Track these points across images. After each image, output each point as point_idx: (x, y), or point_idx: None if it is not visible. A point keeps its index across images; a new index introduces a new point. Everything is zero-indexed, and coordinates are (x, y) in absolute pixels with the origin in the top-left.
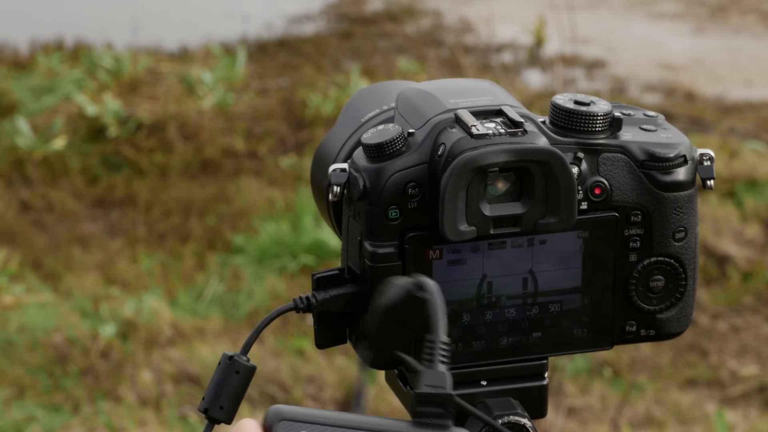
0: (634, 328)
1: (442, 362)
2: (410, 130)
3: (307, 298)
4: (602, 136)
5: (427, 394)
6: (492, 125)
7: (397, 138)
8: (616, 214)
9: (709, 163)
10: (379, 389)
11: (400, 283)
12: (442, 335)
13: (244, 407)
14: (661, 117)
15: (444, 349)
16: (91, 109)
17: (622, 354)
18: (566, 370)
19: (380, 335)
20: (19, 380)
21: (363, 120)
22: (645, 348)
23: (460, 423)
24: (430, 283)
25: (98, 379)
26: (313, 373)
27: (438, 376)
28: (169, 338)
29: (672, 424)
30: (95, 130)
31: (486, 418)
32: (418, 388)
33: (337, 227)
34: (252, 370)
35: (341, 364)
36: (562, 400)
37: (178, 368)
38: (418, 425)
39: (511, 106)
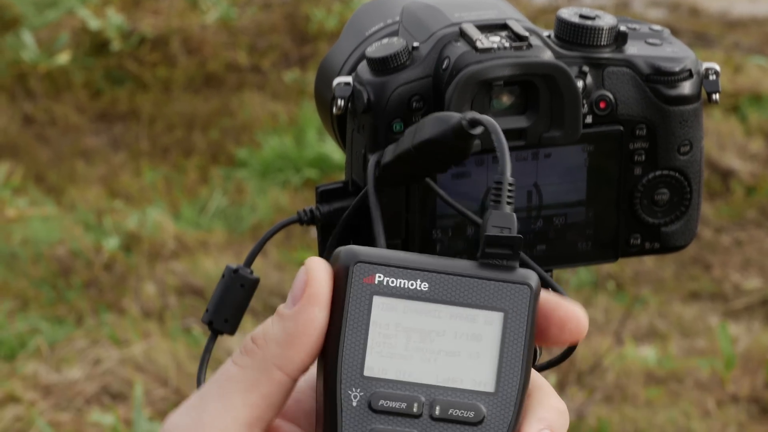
0: (639, 241)
1: (509, 203)
2: (415, 44)
3: (311, 210)
4: (607, 50)
5: (496, 237)
6: (497, 39)
7: (401, 52)
8: (621, 128)
9: (714, 77)
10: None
11: (447, 116)
12: (509, 176)
13: (247, 319)
14: (667, 31)
15: (510, 191)
16: (94, 23)
17: (625, 267)
18: (570, 284)
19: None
20: (23, 293)
21: (367, 34)
22: (648, 261)
23: None
24: (491, 120)
25: (102, 292)
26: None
27: (506, 217)
28: (172, 251)
29: (675, 337)
30: (98, 45)
31: (540, 271)
32: (485, 230)
33: (341, 141)
34: (255, 282)
35: None
36: None
37: (182, 281)
38: (487, 266)
39: (515, 20)
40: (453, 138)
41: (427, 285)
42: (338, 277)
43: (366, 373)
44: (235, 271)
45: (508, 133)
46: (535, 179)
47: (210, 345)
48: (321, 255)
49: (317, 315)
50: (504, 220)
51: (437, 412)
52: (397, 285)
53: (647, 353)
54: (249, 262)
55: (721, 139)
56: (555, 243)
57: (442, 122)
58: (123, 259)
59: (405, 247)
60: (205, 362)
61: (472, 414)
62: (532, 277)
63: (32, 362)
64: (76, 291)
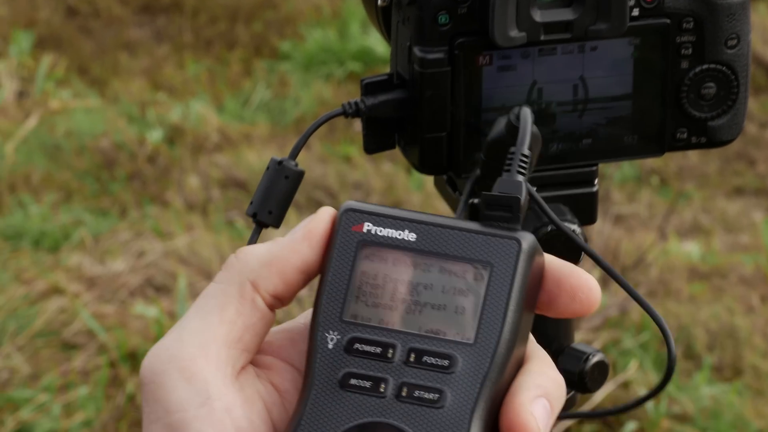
0: (685, 136)
1: (520, 172)
2: None
3: (356, 103)
4: None
5: (494, 196)
6: None
7: None
8: (668, 21)
9: None
10: (425, 195)
11: (500, 119)
12: (524, 148)
13: (291, 212)
14: None
15: (523, 161)
16: None
17: (669, 162)
18: (613, 178)
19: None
20: (67, 185)
21: None
22: (693, 156)
23: None
24: (525, 108)
25: (145, 184)
26: (359, 179)
27: (513, 183)
28: (215, 144)
29: (719, 232)
30: None
31: (553, 217)
32: (487, 193)
33: (386, 33)
34: (300, 174)
35: (388, 170)
36: (609, 207)
37: (225, 173)
38: (482, 224)
39: None
40: (509, 135)
41: (415, 236)
42: (333, 228)
43: (345, 317)
44: (280, 163)
45: (554, 25)
46: (581, 73)
47: (254, 237)
48: (366, 147)
49: (305, 250)
50: (511, 187)
51: (412, 359)
52: (386, 234)
53: (691, 249)
54: (294, 154)
55: (766, 34)
56: (601, 137)
57: (498, 123)
58: (166, 151)
59: (450, 141)
60: None
61: (446, 362)
62: (525, 235)
63: (76, 254)
64: (120, 183)
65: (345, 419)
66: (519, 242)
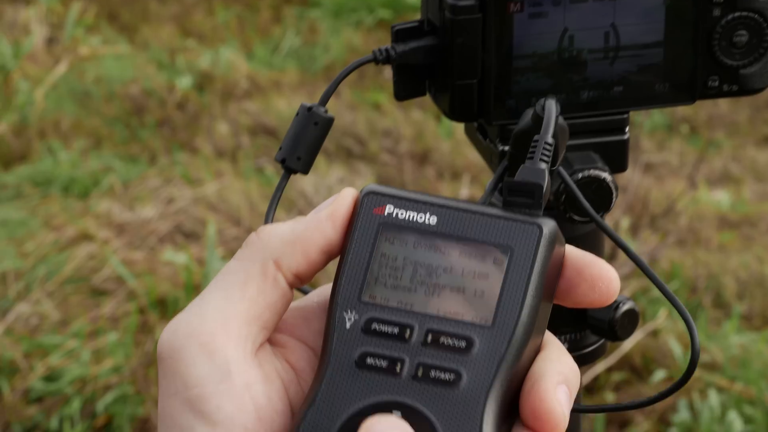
0: (717, 83)
1: (543, 160)
2: None
3: (386, 49)
4: None
5: (516, 182)
6: None
7: None
8: None
9: None
10: (455, 143)
11: (527, 111)
12: (548, 137)
13: (320, 160)
14: None
15: (546, 149)
16: None
17: (699, 110)
18: (644, 127)
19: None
20: (96, 131)
21: None
22: (723, 104)
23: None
24: (550, 98)
25: (174, 131)
26: (389, 127)
27: (535, 171)
28: (245, 90)
29: (748, 181)
30: None
31: (586, 205)
32: (510, 179)
33: None
34: (330, 121)
35: (417, 117)
36: (639, 155)
37: (255, 120)
38: (508, 211)
39: None
40: (535, 126)
41: (436, 219)
42: (354, 210)
43: (363, 298)
44: (309, 109)
45: None
46: (613, 20)
47: (282, 183)
48: (396, 94)
49: (328, 229)
50: (533, 174)
51: (429, 339)
52: (406, 217)
53: (720, 197)
54: (324, 100)
55: None
56: (632, 84)
57: (525, 115)
58: (196, 98)
59: (480, 88)
60: (276, 200)
61: (463, 343)
62: (546, 221)
63: (105, 200)
64: (149, 130)
65: (360, 398)
66: (540, 228)
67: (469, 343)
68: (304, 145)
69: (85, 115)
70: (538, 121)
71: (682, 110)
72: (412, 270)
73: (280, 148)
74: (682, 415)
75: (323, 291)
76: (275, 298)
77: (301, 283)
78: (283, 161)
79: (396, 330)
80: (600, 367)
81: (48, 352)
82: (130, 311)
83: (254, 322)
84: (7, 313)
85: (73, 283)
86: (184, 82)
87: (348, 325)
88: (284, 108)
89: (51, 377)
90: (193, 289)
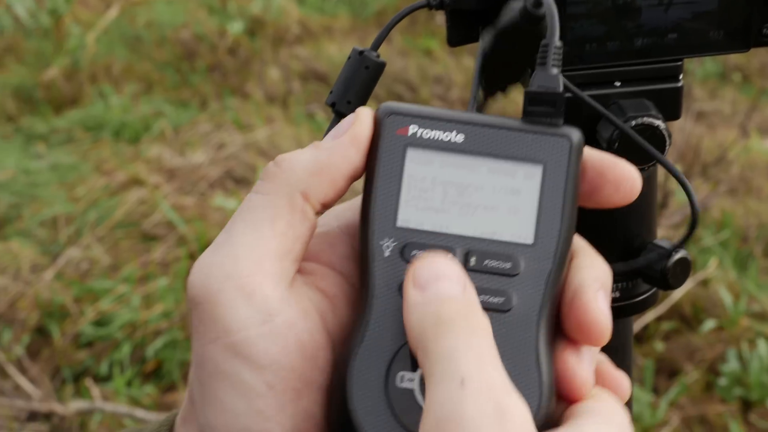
0: None
1: (554, 65)
2: None
3: None
4: None
5: (537, 92)
6: None
7: None
8: None
9: None
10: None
11: (515, 4)
12: (556, 39)
13: (371, 104)
14: None
15: (557, 53)
16: None
17: (752, 59)
18: (696, 75)
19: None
20: (147, 76)
21: None
22: None
23: (592, 125)
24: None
25: (225, 76)
26: (440, 73)
27: (550, 77)
28: (296, 36)
29: None
30: None
31: (615, 120)
32: (529, 89)
33: None
34: (382, 66)
35: (469, 64)
36: (691, 104)
37: (305, 66)
38: (528, 122)
39: None
40: (524, 22)
41: (462, 137)
42: (376, 131)
43: (399, 224)
44: (361, 53)
45: None
46: None
47: (332, 127)
48: (449, 40)
49: (353, 155)
50: (548, 80)
51: (473, 263)
52: (432, 137)
53: None
54: (376, 45)
55: None
56: (686, 31)
57: (511, 10)
58: (247, 43)
59: None
60: None
61: (509, 265)
62: (573, 131)
63: (156, 146)
64: (200, 75)
65: None
66: (570, 139)
67: (515, 264)
68: (354, 89)
69: (136, 59)
70: (527, 16)
71: (734, 58)
72: (442, 191)
73: (331, 92)
74: (732, 365)
75: (341, 213)
76: (304, 229)
77: (325, 209)
78: (333, 105)
79: None
80: (650, 316)
81: (98, 297)
82: (180, 256)
83: (286, 257)
84: (58, 257)
85: (123, 227)
86: (236, 27)
87: (387, 253)
88: (335, 53)
89: (101, 322)
90: None
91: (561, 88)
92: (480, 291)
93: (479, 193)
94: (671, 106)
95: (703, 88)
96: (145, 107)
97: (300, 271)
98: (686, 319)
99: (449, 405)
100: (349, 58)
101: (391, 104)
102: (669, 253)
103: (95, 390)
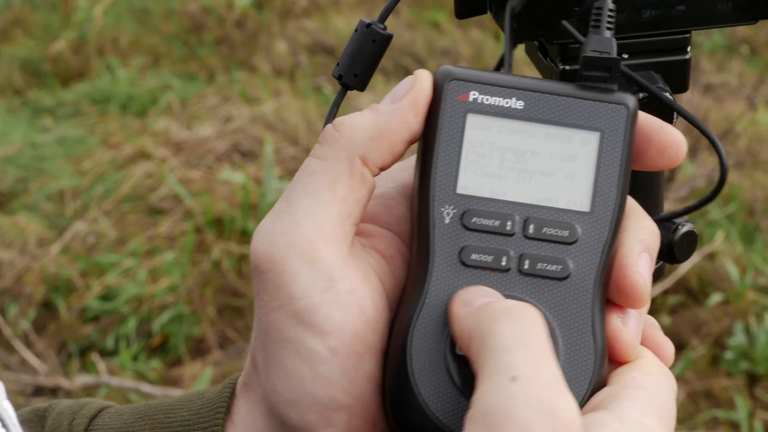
0: None
1: (609, 28)
2: None
3: None
4: None
5: (593, 58)
6: None
7: None
8: None
9: None
10: (514, 63)
11: None
12: (609, 1)
13: (377, 77)
14: None
15: (611, 16)
16: None
17: (760, 31)
18: (704, 47)
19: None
20: (155, 48)
21: None
22: None
23: None
24: None
25: (233, 49)
26: (448, 46)
27: (605, 41)
28: (303, 8)
29: None
30: None
31: (649, 86)
32: (584, 53)
33: None
34: (389, 38)
35: (476, 37)
36: (699, 77)
37: (313, 39)
38: (585, 88)
39: None
40: None
41: (522, 103)
42: (435, 95)
43: (459, 190)
44: (368, 25)
45: None
46: None
47: (338, 99)
48: (457, 12)
49: (411, 119)
50: (603, 44)
51: (531, 231)
52: (492, 103)
53: None
54: (383, 17)
55: None
56: (694, 3)
57: None
58: (254, 16)
59: None
60: (332, 117)
61: (566, 233)
62: (629, 98)
63: (163, 119)
64: (208, 48)
65: None
66: (627, 107)
67: (572, 232)
68: (361, 61)
69: (143, 32)
70: None
71: (742, 31)
72: (500, 156)
73: (338, 64)
74: (738, 338)
75: (396, 175)
76: (363, 193)
77: (384, 169)
78: (340, 77)
79: (497, 223)
80: (656, 290)
81: (105, 271)
82: (186, 230)
83: (346, 222)
84: (65, 231)
85: (130, 201)
86: (243, 0)
87: (447, 220)
88: (343, 26)
89: (107, 296)
90: (250, 208)
91: (615, 53)
92: (538, 259)
93: (536, 159)
94: (679, 78)
95: (711, 60)
96: (152, 80)
97: (358, 233)
98: (693, 292)
99: (499, 399)
100: (356, 30)
101: (450, 68)
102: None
103: (101, 364)
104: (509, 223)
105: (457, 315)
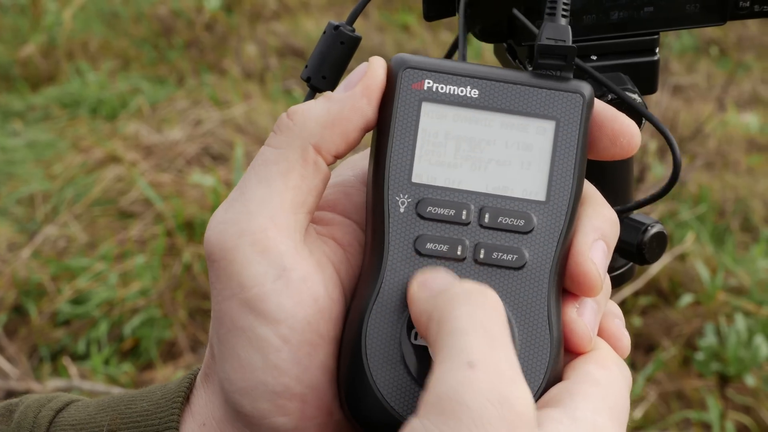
0: (748, 4)
1: (564, 16)
2: None
3: None
4: None
5: (548, 46)
6: None
7: None
8: None
9: None
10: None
11: None
12: None
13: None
14: None
15: (566, 3)
16: None
17: (729, 32)
18: (673, 49)
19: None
20: (124, 52)
21: None
22: (752, 26)
23: None
24: None
25: (203, 52)
26: (417, 48)
27: (560, 29)
28: (273, 11)
29: None
30: None
31: (605, 80)
32: (539, 41)
33: None
34: (357, 40)
35: (446, 39)
36: (668, 78)
37: (283, 41)
38: (541, 76)
39: None
40: None
41: (477, 92)
42: (390, 83)
43: (414, 179)
44: (336, 27)
45: None
46: None
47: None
48: (426, 14)
49: (365, 107)
50: (558, 32)
51: (486, 220)
52: (447, 91)
53: (749, 120)
54: (351, 20)
55: None
56: (662, 4)
57: None
58: (224, 19)
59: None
60: None
61: (522, 222)
62: (585, 86)
63: (133, 122)
64: (177, 51)
65: None
66: (583, 95)
67: (528, 221)
68: (329, 63)
69: (113, 36)
70: None
71: (711, 32)
72: (455, 145)
73: (306, 66)
74: (709, 339)
75: (357, 163)
76: (317, 181)
77: (337, 159)
78: (308, 79)
79: (452, 213)
80: (627, 291)
81: (75, 275)
82: (157, 234)
83: (299, 210)
84: (35, 235)
85: (100, 205)
86: (213, 3)
87: (402, 209)
88: (312, 29)
89: (78, 300)
90: None
91: (571, 41)
92: (494, 248)
93: (491, 147)
94: (647, 79)
95: (680, 61)
96: (122, 84)
97: (315, 221)
98: (663, 293)
99: (454, 385)
100: (324, 32)
101: (404, 56)
102: (646, 227)
103: (73, 368)
104: (464, 212)
105: (417, 297)
